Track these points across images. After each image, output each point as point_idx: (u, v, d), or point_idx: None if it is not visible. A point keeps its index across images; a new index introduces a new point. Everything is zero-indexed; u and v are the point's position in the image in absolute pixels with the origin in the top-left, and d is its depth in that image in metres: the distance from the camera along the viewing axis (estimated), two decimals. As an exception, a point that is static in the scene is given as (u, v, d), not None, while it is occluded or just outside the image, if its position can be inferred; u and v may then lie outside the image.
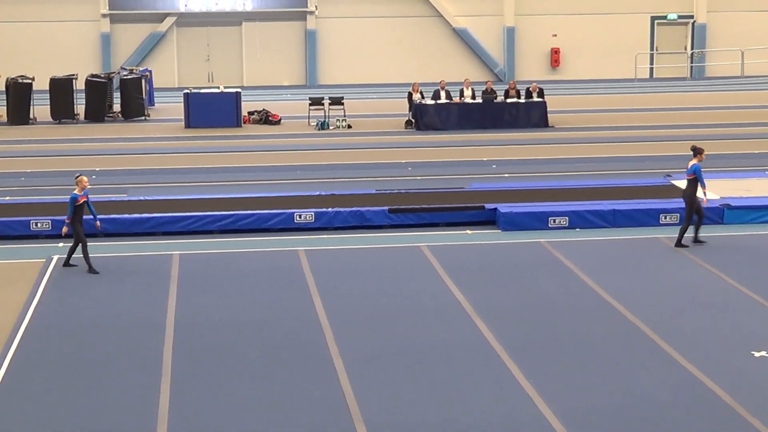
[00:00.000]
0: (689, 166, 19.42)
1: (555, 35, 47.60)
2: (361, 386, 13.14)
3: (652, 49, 48.18)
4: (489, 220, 21.49)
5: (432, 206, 21.68)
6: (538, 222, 21.11)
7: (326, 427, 12.07)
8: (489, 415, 12.36)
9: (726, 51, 47.60)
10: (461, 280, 17.61)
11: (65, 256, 18.53)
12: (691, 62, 48.19)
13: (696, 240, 19.71)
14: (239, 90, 36.42)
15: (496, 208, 21.44)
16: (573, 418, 12.18)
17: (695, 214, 19.52)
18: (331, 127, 34.46)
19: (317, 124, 34.57)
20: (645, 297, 16.71)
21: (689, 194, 19.45)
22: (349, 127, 34.52)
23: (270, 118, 35.80)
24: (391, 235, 20.86)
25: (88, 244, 18.24)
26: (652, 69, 48.15)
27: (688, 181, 19.51)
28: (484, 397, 12.84)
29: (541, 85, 35.57)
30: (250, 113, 36.05)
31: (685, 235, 19.58)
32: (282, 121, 35.87)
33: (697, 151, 19.51)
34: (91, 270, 18.12)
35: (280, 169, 27.68)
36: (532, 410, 12.44)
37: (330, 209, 21.36)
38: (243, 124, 35.15)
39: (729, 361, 13.97)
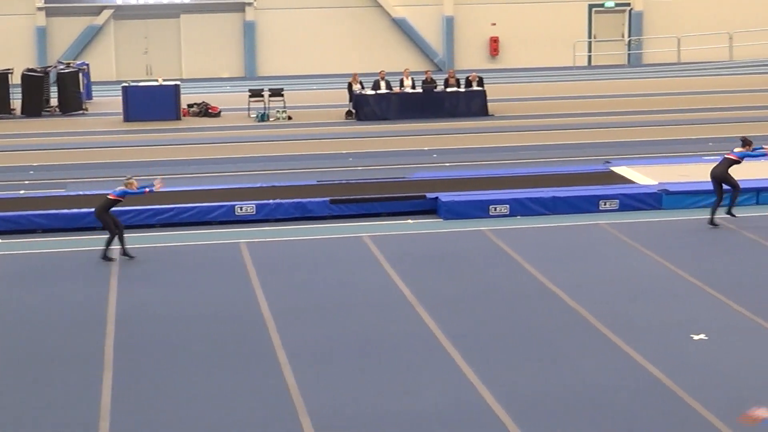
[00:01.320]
0: (734, 150, 19.96)
1: (494, 24, 47.71)
2: (304, 378, 13.12)
3: (589, 36, 48.44)
4: (430, 209, 21.53)
5: (373, 196, 21.69)
6: (479, 210, 21.19)
7: (271, 421, 12.04)
8: (433, 404, 12.38)
9: (662, 38, 47.97)
10: (403, 269, 17.63)
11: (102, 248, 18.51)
12: (629, 49, 48.51)
13: (730, 213, 20.11)
14: (178, 82, 36.18)
15: (437, 197, 21.49)
16: (518, 405, 12.23)
17: (732, 188, 19.90)
18: (271, 119, 34.35)
19: (257, 116, 34.45)
20: (586, 283, 16.82)
21: (720, 172, 19.85)
22: (290, 118, 34.42)
23: (209, 111, 35.61)
24: (333, 225, 20.85)
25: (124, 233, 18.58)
26: (590, 57, 48.42)
27: (726, 159, 19.93)
28: (429, 387, 12.87)
29: (480, 74, 35.64)
30: (190, 106, 35.83)
31: (720, 207, 20.06)
32: (221, 113, 35.69)
33: (746, 142, 20.06)
34: (126, 254, 18.44)
35: (221, 161, 27.56)
36: (476, 399, 12.49)
37: (271, 201, 21.31)
38: (182, 117, 34.91)
39: (669, 345, 14.10)
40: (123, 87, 34.88)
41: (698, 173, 23.26)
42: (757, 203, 21.69)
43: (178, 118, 34.58)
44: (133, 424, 12.00)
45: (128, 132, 32.70)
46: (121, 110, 34.65)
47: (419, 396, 12.62)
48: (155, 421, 12.05)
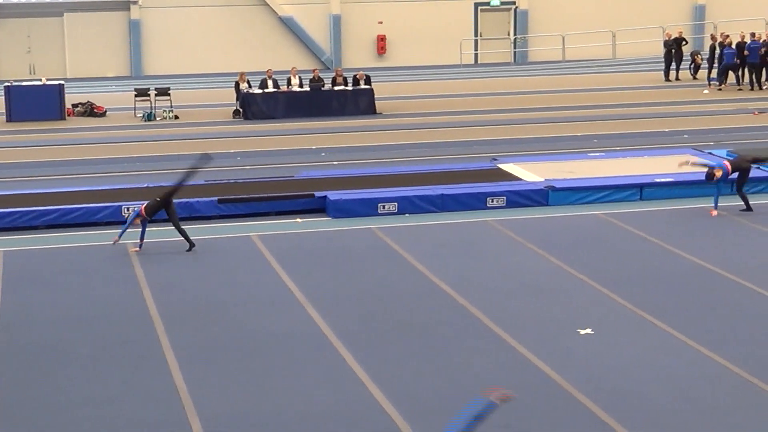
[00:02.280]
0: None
1: (381, 22, 47.86)
2: (193, 379, 13.04)
3: (476, 35, 48.84)
4: (319, 207, 21.52)
5: (261, 195, 21.61)
6: (367, 208, 21.23)
7: (160, 422, 11.94)
8: (323, 403, 12.39)
9: (547, 36, 48.57)
10: (292, 268, 17.61)
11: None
12: (514, 48, 49.03)
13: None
14: (62, 82, 35.67)
15: (325, 196, 21.49)
16: (408, 403, 12.29)
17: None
18: (157, 118, 34.04)
19: (143, 116, 34.11)
20: (474, 280, 16.96)
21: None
22: (176, 117, 34.16)
23: (95, 110, 35.16)
24: (221, 225, 20.73)
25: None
26: (476, 55, 48.83)
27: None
28: (318, 386, 12.87)
29: (368, 73, 35.74)
30: (74, 105, 35.35)
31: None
32: (107, 112, 35.28)
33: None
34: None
35: (107, 161, 27.23)
36: (366, 397, 12.52)
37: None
38: (67, 117, 34.44)
39: (556, 340, 14.29)
40: (5, 87, 34.28)
41: (584, 170, 23.63)
42: (641, 199, 22.07)
43: (62, 118, 34.09)
44: (19, 428, 11.81)
45: (11, 132, 32.14)
46: (3, 110, 34.05)
47: (309, 395, 12.61)
48: (41, 425, 11.87)
